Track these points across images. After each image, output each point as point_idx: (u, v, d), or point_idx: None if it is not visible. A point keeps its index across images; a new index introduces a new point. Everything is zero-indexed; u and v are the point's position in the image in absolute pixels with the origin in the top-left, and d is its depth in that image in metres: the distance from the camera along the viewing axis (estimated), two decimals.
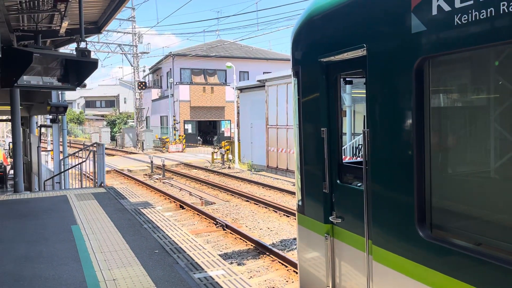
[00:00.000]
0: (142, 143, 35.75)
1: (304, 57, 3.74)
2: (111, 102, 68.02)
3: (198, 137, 39.05)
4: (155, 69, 46.09)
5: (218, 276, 4.72)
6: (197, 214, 11.69)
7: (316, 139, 3.55)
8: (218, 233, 9.87)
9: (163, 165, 20.16)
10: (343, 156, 3.57)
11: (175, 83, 37.36)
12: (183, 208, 12.73)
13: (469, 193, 2.48)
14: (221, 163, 23.41)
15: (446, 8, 2.26)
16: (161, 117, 41.38)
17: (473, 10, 2.11)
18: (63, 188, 13.15)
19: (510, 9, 1.93)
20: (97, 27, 10.62)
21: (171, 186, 17.16)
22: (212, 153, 25.02)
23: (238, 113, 24.54)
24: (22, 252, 5.49)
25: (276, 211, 11.71)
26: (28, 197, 9.31)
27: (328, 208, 3.48)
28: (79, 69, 8.27)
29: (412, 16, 2.47)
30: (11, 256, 5.33)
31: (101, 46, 34.94)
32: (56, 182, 13.29)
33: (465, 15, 2.15)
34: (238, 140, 23.47)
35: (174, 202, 13.51)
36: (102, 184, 10.68)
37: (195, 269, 4.88)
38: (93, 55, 8.15)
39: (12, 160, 15.64)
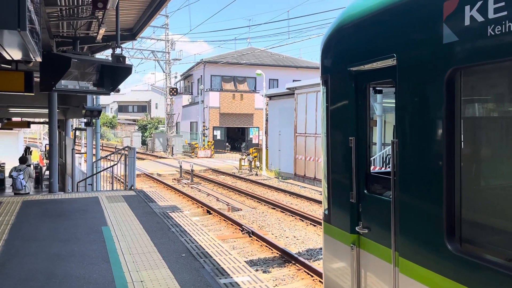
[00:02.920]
0: (172, 148, 36.31)
1: (334, 65, 3.76)
2: (143, 107, 69.51)
3: (227, 144, 39.33)
4: (187, 76, 46.85)
5: (243, 282, 4.72)
6: (224, 220, 11.74)
7: (344, 148, 3.54)
8: (244, 240, 9.88)
9: (192, 170, 20.40)
10: (371, 166, 3.47)
11: (205, 90, 37.84)
12: (210, 213, 12.82)
13: (499, 206, 2.43)
14: (248, 170, 23.48)
15: (479, 18, 2.24)
16: (191, 123, 41.96)
17: (507, 21, 2.08)
18: (95, 189, 13.50)
19: None
20: (132, 34, 10.92)
21: (199, 191, 17.33)
22: (240, 159, 25.12)
23: (266, 120, 24.59)
24: (55, 250, 5.66)
25: (302, 220, 11.62)
26: (62, 198, 9.60)
27: (354, 218, 3.44)
28: (113, 74, 8.51)
29: (444, 26, 2.45)
30: (45, 254, 5.50)
31: (135, 52, 35.88)
32: (89, 184, 13.66)
33: (499, 26, 2.13)
34: (266, 147, 23.48)
35: (202, 207, 13.63)
36: (132, 187, 10.90)
37: (220, 274, 4.90)
38: (127, 61, 8.37)
39: (47, 161, 16.19)
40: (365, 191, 3.40)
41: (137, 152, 11.60)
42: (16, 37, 3.16)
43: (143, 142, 45.04)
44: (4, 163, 17.06)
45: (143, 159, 32.17)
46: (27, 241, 6.05)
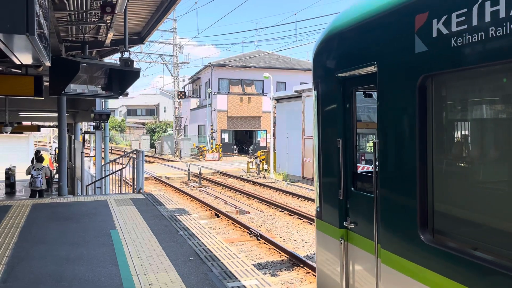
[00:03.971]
0: (180, 151, 36.43)
1: (323, 72, 4.01)
2: (151, 111, 69.89)
3: (234, 146, 39.37)
4: (194, 79, 47.04)
5: (251, 286, 4.71)
6: (232, 223, 11.73)
7: (333, 148, 3.82)
8: (252, 243, 9.86)
9: (200, 173, 20.44)
10: (358, 165, 3.83)
11: (213, 93, 37.95)
12: (218, 216, 12.82)
13: (466, 201, 2.66)
14: (256, 172, 23.46)
15: (444, 31, 2.50)
16: (199, 126, 42.09)
17: (467, 34, 2.35)
18: (103, 193, 13.57)
19: (498, 34, 2.16)
20: (140, 38, 11.00)
21: (207, 194, 17.35)
22: (248, 162, 25.13)
23: (274, 123, 24.58)
24: (64, 253, 5.69)
25: (311, 223, 11.57)
26: (71, 201, 9.67)
27: (343, 214, 3.73)
28: (122, 78, 8.57)
29: (416, 37, 2.72)
30: (54, 257, 5.54)
31: (143, 56, 36.12)
32: (97, 187, 13.74)
33: (460, 38, 2.39)
34: (274, 150, 23.46)
35: (210, 210, 13.64)
36: (141, 190, 10.94)
37: (228, 278, 4.88)
38: (135, 65, 8.43)
39: (57, 164, 16.32)
40: (352, 189, 3.67)
41: (145, 155, 11.65)
42: (25, 42, 3.19)
43: (152, 146, 45.26)
44: (14, 167, 17.23)
45: (152, 162, 32.32)
46: (37, 244, 6.10)
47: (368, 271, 3.35)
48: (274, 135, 24.29)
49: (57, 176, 15.24)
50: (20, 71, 9.20)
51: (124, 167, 12.00)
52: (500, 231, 2.32)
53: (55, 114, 12.04)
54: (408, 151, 2.85)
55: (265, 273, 7.59)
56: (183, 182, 21.32)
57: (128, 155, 12.56)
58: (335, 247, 3.81)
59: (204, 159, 33.29)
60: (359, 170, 3.86)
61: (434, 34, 2.59)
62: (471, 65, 2.39)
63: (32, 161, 14.38)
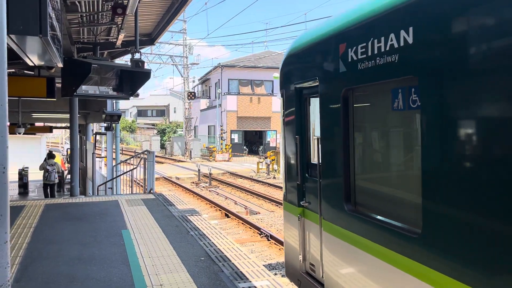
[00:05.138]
0: (190, 151, 36.56)
1: (287, 82, 4.96)
2: (162, 112, 70.27)
3: (244, 147, 39.38)
4: (204, 80, 47.18)
5: (262, 286, 4.69)
6: (242, 223, 11.73)
7: (293, 144, 4.81)
8: (263, 243, 9.84)
9: (210, 174, 20.48)
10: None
11: (223, 94, 38.02)
12: (228, 216, 12.83)
13: (374, 182, 3.65)
14: (266, 173, 23.44)
15: (355, 57, 3.45)
16: (208, 126, 42.20)
17: (365, 60, 3.31)
18: (114, 193, 13.67)
19: (382, 62, 3.11)
20: (150, 39, 11.05)
21: (217, 194, 17.37)
22: (258, 163, 25.11)
23: None
24: (76, 253, 5.73)
25: None
26: (83, 201, 9.75)
27: (300, 196, 4.68)
28: (133, 79, 8.61)
29: (339, 60, 3.69)
30: (66, 257, 5.58)
31: (153, 57, 36.33)
32: (109, 188, 13.84)
33: (362, 63, 3.35)
34: None
35: (220, 210, 13.66)
36: (152, 191, 10.99)
37: (239, 278, 4.87)
38: (146, 66, 8.46)
39: (69, 165, 16.48)
40: (307, 175, 4.63)
41: (156, 156, 11.69)
42: (38, 43, 3.21)
43: (162, 146, 45.50)
44: (27, 167, 17.43)
45: (162, 162, 32.48)
46: (49, 244, 6.15)
47: (316, 238, 4.35)
48: None
49: (69, 176, 15.39)
50: (32, 73, 9.30)
51: (135, 168, 12.07)
52: (393, 203, 3.33)
53: (67, 115, 12.16)
54: (337, 145, 3.84)
55: (276, 274, 7.57)
56: (193, 182, 21.39)
57: (139, 155, 12.63)
58: (295, 222, 4.78)
59: (214, 160, 33.36)
60: (312, 161, 4.70)
61: (349, 60, 3.54)
62: (368, 82, 3.37)
63: (45, 160, 14.95)
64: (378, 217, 3.37)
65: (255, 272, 5.12)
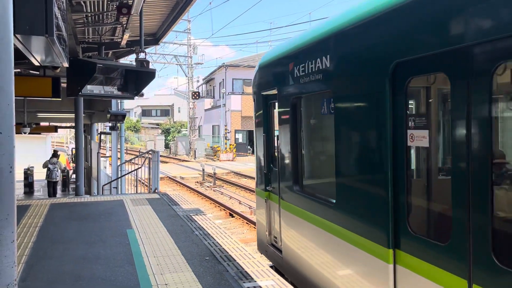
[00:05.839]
0: (194, 151, 36.60)
1: (257, 90, 6.19)
2: (166, 111, 70.39)
3: (248, 147, 39.36)
4: (208, 80, 47.21)
5: (267, 286, 4.68)
6: (246, 223, 11.72)
7: (261, 140, 6.04)
8: None
9: (214, 173, 20.49)
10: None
11: (227, 93, 38.02)
12: (232, 216, 12.83)
13: (315, 169, 5.02)
14: None
15: (298, 74, 4.64)
16: (213, 126, 42.24)
17: (304, 77, 4.51)
18: (119, 193, 13.70)
19: (313, 79, 4.30)
20: (155, 38, 11.06)
21: (221, 194, 17.38)
22: None
23: None
24: (82, 252, 5.75)
25: None
26: (88, 201, 9.78)
27: (267, 182, 5.92)
28: (137, 79, 8.63)
29: (289, 75, 4.86)
30: (72, 257, 5.60)
31: (158, 57, 36.39)
32: (113, 187, 13.87)
33: (303, 78, 4.54)
34: None
35: (224, 210, 13.66)
36: (156, 190, 11.00)
37: (244, 278, 4.87)
38: (150, 66, 8.47)
39: (74, 165, 16.55)
40: (271, 166, 5.84)
41: (160, 156, 11.71)
42: (44, 43, 3.22)
43: (166, 146, 45.58)
44: (33, 167, 17.51)
45: (166, 162, 32.53)
46: (55, 243, 6.17)
47: (277, 215, 5.57)
48: None
49: (74, 176, 15.45)
50: (38, 73, 9.34)
51: (140, 167, 12.09)
52: (322, 183, 4.66)
53: (72, 115, 12.21)
54: (289, 141, 5.05)
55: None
56: (197, 182, 21.41)
57: (143, 155, 12.65)
58: (263, 204, 6.04)
59: (218, 159, 33.38)
60: (274, 154, 5.82)
61: (295, 75, 4.72)
62: (307, 93, 4.64)
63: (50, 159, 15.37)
64: (314, 193, 4.62)
65: (260, 272, 5.11)
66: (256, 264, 5.38)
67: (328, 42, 4.04)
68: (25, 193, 17.08)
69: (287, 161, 5.05)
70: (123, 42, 9.40)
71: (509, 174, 2.78)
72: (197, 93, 37.52)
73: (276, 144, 5.47)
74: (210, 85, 47.15)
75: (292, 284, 4.94)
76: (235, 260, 5.47)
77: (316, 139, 4.95)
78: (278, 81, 5.24)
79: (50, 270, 5.10)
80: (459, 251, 2.62)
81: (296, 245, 4.92)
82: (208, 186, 19.57)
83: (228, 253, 5.78)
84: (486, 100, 2.42)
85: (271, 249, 5.80)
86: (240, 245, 6.25)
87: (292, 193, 4.92)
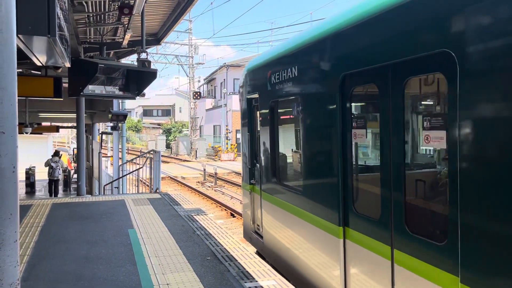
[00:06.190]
0: (196, 151, 36.61)
1: (243, 94, 6.94)
2: (167, 111, 70.40)
3: None
4: (210, 80, 47.21)
5: (269, 286, 4.69)
6: None
7: (246, 139, 6.93)
8: None
9: (215, 173, 20.50)
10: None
11: (228, 93, 38.02)
12: (234, 216, 12.83)
13: (286, 163, 5.81)
14: None
15: (275, 80, 5.42)
16: (214, 126, 42.24)
17: (279, 83, 5.28)
18: (121, 192, 13.72)
19: (286, 86, 5.07)
20: (156, 38, 11.07)
21: (223, 194, 17.38)
22: None
23: None
24: (83, 252, 5.76)
25: None
26: (89, 201, 9.79)
27: (251, 176, 6.75)
28: (139, 79, 8.64)
29: (267, 81, 5.64)
30: (73, 256, 5.60)
31: (159, 57, 36.40)
32: (115, 187, 13.88)
33: (279, 85, 5.30)
34: None
35: (226, 210, 13.66)
36: (158, 190, 11.01)
37: (246, 278, 4.87)
38: (151, 66, 8.48)
39: (75, 165, 16.57)
40: (254, 161, 6.63)
41: (161, 156, 11.71)
42: (46, 43, 3.23)
43: (168, 146, 45.59)
44: (34, 167, 17.54)
45: (168, 162, 32.54)
46: (56, 243, 6.18)
47: (258, 204, 6.32)
48: None
49: (75, 176, 15.47)
50: (39, 73, 9.35)
51: (141, 167, 12.10)
52: (294, 175, 5.47)
53: (74, 115, 12.22)
54: (268, 139, 5.81)
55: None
56: (199, 182, 21.42)
57: (145, 155, 12.66)
58: (248, 196, 6.90)
59: (219, 159, 33.39)
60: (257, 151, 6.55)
61: (272, 82, 5.49)
62: (282, 98, 5.36)
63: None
64: (288, 184, 5.40)
65: (261, 272, 5.11)
66: (258, 264, 5.38)
67: (296, 55, 4.88)
68: (26, 193, 17.11)
69: (266, 157, 5.91)
70: (125, 42, 9.41)
71: (415, 160, 3.73)
72: (198, 93, 37.54)
73: (258, 143, 6.34)
74: (211, 85, 47.15)
75: (272, 266, 5.48)
76: (236, 260, 5.48)
77: (290, 138, 5.73)
78: (259, 87, 6.05)
79: (52, 269, 5.11)
80: (387, 224, 3.42)
81: (273, 230, 5.75)
82: (209, 186, 19.57)
83: (229, 253, 5.78)
84: (401, 104, 3.20)
85: (255, 235, 6.64)
86: (241, 245, 6.25)
87: (271, 184, 5.78)
